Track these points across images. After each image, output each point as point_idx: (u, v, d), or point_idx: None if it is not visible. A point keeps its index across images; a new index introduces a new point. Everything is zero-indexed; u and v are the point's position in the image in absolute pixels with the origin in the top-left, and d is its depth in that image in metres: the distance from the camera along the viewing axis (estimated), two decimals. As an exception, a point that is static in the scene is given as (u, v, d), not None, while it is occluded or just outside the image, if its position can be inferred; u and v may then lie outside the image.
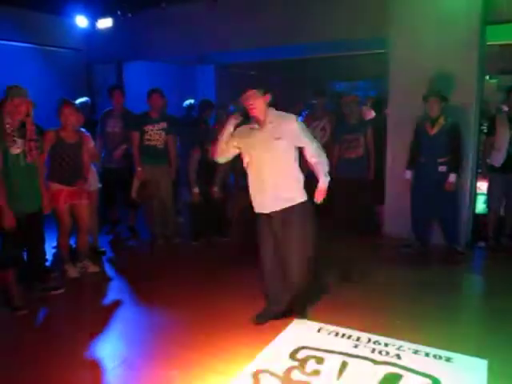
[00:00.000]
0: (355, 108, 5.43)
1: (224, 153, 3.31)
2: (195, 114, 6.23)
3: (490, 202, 4.88)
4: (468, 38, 4.61)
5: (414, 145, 4.69)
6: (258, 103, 3.08)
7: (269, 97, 3.12)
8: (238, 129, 3.23)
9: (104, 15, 6.78)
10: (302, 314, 3.39)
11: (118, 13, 6.70)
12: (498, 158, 4.64)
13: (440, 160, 4.50)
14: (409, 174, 4.78)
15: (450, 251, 4.73)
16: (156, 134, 5.01)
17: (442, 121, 4.47)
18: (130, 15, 6.72)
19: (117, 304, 3.85)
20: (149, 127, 4.98)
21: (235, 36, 6.45)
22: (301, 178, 3.18)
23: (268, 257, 3.26)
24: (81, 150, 4.21)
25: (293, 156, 3.13)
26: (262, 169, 3.11)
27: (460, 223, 4.80)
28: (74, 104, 4.12)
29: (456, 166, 4.51)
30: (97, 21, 6.79)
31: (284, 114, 3.17)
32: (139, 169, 4.99)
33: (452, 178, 4.48)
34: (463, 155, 4.61)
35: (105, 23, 6.84)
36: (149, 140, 5.01)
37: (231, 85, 9.31)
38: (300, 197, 3.16)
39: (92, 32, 6.91)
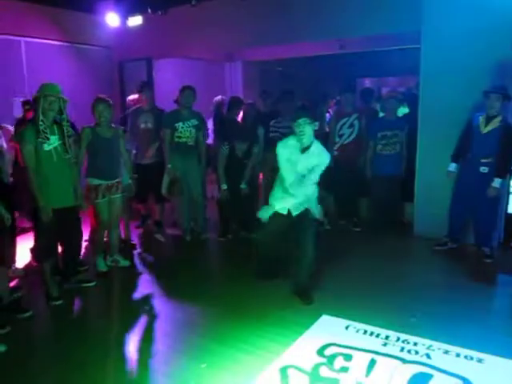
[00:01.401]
0: (394, 104, 5.39)
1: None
2: (225, 110, 6.26)
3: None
4: (507, 28, 4.42)
5: (462, 138, 4.48)
6: (307, 130, 3.54)
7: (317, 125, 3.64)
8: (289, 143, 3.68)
9: (134, 13, 6.88)
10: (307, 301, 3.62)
11: (149, 10, 6.79)
12: None
13: (484, 160, 4.32)
14: (453, 167, 4.59)
15: (478, 253, 4.61)
16: (186, 130, 5.07)
17: (498, 120, 4.24)
18: (159, 13, 6.80)
19: (146, 298, 3.94)
20: (180, 124, 5.05)
21: (264, 32, 6.46)
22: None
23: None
24: (117, 145, 4.30)
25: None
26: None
27: (494, 226, 4.65)
28: (107, 100, 4.21)
29: (503, 170, 4.30)
30: (127, 19, 6.90)
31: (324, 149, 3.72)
32: (169, 166, 5.07)
33: (496, 183, 4.27)
34: (511, 159, 4.36)
35: (135, 21, 6.94)
36: (179, 137, 5.07)
37: (259, 81, 9.35)
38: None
39: (123, 30, 7.01)
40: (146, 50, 7.43)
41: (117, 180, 4.32)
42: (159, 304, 3.83)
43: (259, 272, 4.09)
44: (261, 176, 5.86)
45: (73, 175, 3.80)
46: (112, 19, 6.76)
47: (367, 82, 10.89)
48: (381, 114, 5.78)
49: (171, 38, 7.15)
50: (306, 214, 3.73)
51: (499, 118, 4.24)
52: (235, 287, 4.03)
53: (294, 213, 3.72)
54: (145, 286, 4.22)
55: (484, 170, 4.33)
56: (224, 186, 5.11)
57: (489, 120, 4.29)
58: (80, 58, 7.52)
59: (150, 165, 5.32)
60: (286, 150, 3.65)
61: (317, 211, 3.79)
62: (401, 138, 5.26)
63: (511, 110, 4.43)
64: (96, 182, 4.18)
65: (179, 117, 5.08)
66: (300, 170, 3.63)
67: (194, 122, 5.10)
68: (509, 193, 5.11)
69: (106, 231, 4.45)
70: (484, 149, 4.31)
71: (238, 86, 8.78)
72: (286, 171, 3.65)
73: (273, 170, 5.52)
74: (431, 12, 4.80)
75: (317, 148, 3.66)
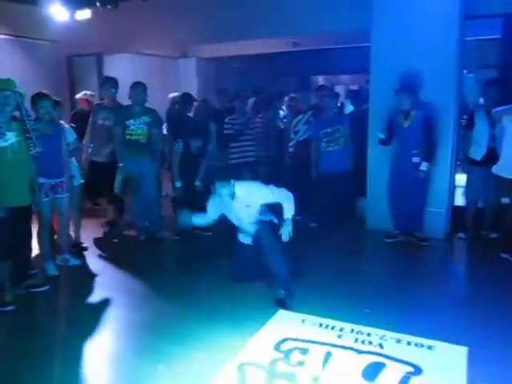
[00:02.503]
0: (330, 102, 5.48)
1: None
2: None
3: (468, 194, 4.96)
4: (447, 32, 4.67)
5: (386, 136, 4.80)
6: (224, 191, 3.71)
7: None
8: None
9: (83, 6, 6.67)
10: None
11: (97, 4, 6.60)
12: (478, 152, 4.71)
13: (414, 151, 4.65)
14: (382, 135, 4.85)
15: (411, 236, 4.83)
16: (138, 128, 4.97)
17: (413, 114, 4.60)
18: (109, 7, 6.62)
19: (100, 300, 3.82)
20: (131, 121, 4.94)
21: (217, 29, 6.43)
22: None
23: None
24: (60, 142, 4.15)
25: None
26: None
27: (424, 213, 4.88)
28: (49, 95, 4.06)
29: (429, 155, 4.65)
30: (75, 12, 6.68)
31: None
32: (121, 164, 4.95)
33: (424, 166, 4.62)
34: (437, 146, 4.73)
35: (84, 14, 6.73)
36: (131, 134, 4.96)
37: (215, 78, 9.28)
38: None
39: (71, 24, 6.78)
40: (96, 45, 7.22)
41: (61, 179, 4.17)
42: (113, 306, 3.73)
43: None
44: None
45: (31, 172, 3.64)
46: (59, 12, 6.52)
47: (321, 80, 11.06)
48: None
49: (122, 32, 7.00)
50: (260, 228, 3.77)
51: (414, 113, 4.59)
52: (192, 286, 3.99)
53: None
54: (98, 288, 4.08)
55: (416, 159, 4.65)
56: (178, 184, 5.05)
57: (406, 115, 4.62)
58: (27, 53, 7.23)
59: (103, 163, 5.17)
60: (215, 201, 3.88)
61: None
62: (343, 132, 5.35)
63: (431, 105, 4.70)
64: (39, 180, 4.02)
65: (130, 114, 4.96)
66: (238, 208, 3.75)
67: (146, 119, 5.00)
68: (454, 186, 5.35)
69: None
70: (411, 141, 4.65)
71: (193, 83, 8.68)
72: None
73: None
74: (381, 11, 4.93)
75: (241, 189, 3.72)
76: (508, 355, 2.83)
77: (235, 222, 3.91)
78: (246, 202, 3.71)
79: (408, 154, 4.67)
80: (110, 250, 5.09)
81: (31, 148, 3.54)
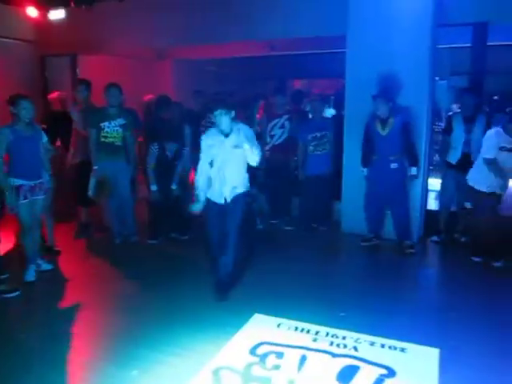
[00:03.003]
0: (319, 106, 5.55)
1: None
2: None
3: (442, 198, 5.08)
4: (420, 40, 4.77)
5: (365, 144, 4.85)
6: (224, 120, 3.64)
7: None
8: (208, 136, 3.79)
9: (56, 6, 6.54)
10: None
11: (72, 4, 6.49)
12: (453, 156, 4.83)
13: (392, 157, 4.69)
14: (365, 171, 4.93)
15: (400, 245, 4.87)
16: (113, 130, 4.90)
17: (391, 121, 4.64)
18: (83, 7, 6.51)
19: (73, 305, 3.75)
20: (105, 124, 4.86)
21: (194, 31, 6.40)
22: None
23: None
24: (38, 144, 4.08)
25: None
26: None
27: (411, 219, 4.94)
28: (29, 97, 3.99)
29: (414, 160, 4.73)
30: (49, 12, 6.55)
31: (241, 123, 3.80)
32: (95, 167, 4.87)
33: (413, 171, 4.72)
34: (417, 150, 4.80)
35: (57, 14, 6.60)
36: (105, 137, 4.89)
37: (190, 80, 9.24)
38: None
39: (44, 23, 6.64)
40: (70, 46, 7.09)
41: (40, 180, 4.10)
42: (86, 311, 3.66)
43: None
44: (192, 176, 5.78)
45: None
46: (33, 12, 6.39)
47: (297, 84, 11.13)
48: (310, 116, 5.93)
49: (97, 33, 6.87)
50: (237, 198, 3.80)
51: (391, 120, 4.63)
52: (166, 290, 3.94)
53: (229, 198, 3.78)
54: (71, 293, 4.01)
55: (394, 165, 4.71)
56: (154, 187, 5.00)
57: (384, 123, 4.65)
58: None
59: (74, 165, 5.10)
60: (208, 138, 3.78)
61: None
62: (329, 137, 5.43)
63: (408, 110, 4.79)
64: (18, 182, 3.95)
65: (105, 116, 4.89)
66: (228, 149, 3.70)
67: (121, 121, 4.93)
68: (427, 190, 5.46)
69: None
70: (389, 148, 4.69)
71: (169, 85, 8.63)
72: (205, 156, 3.78)
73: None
74: (356, 17, 5.00)
75: (237, 127, 3.72)
76: (479, 358, 2.90)
77: (215, 176, 3.78)
78: (237, 141, 3.68)
79: (386, 160, 4.70)
80: (83, 253, 5.00)
81: None
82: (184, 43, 6.92)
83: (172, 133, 5.08)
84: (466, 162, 4.64)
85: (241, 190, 3.84)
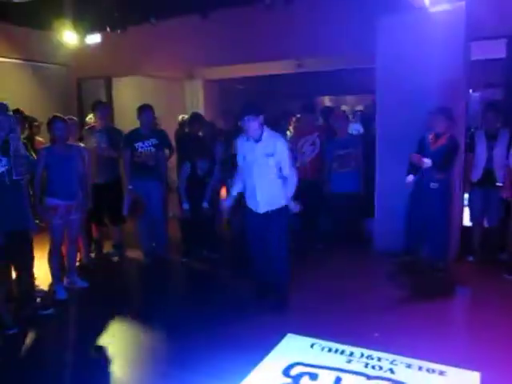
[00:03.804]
0: (344, 123, 5.53)
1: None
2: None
3: (471, 215, 4.94)
4: (452, 53, 4.70)
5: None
6: (251, 125, 3.64)
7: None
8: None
9: (93, 31, 6.80)
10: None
11: (107, 29, 6.73)
12: (475, 173, 4.72)
13: (436, 176, 4.45)
14: (411, 178, 4.66)
15: (433, 266, 4.70)
16: (146, 150, 5.01)
17: (445, 137, 4.43)
18: (118, 31, 6.75)
19: (108, 324, 3.79)
20: (139, 144, 4.98)
21: (223, 51, 6.53)
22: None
23: None
24: (75, 164, 4.20)
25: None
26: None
27: (447, 239, 4.73)
28: (64, 119, 4.13)
29: (442, 167, 4.43)
30: (85, 37, 6.81)
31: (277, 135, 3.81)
32: (130, 187, 4.98)
33: (439, 175, 4.42)
34: (452, 165, 4.54)
35: (94, 39, 6.86)
36: (139, 157, 5.00)
37: (220, 99, 9.40)
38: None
39: (81, 48, 6.91)
40: (104, 69, 7.35)
41: (75, 200, 4.21)
42: (119, 330, 3.72)
43: (259, 282, 4.04)
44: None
45: (23, 197, 3.66)
46: (70, 37, 6.66)
47: (326, 100, 11.15)
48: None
49: (130, 56, 7.11)
50: (275, 214, 3.76)
51: (446, 136, 4.45)
52: (199, 310, 3.96)
53: (260, 210, 3.77)
54: (106, 311, 4.05)
55: (434, 186, 4.47)
56: (186, 206, 5.06)
57: (437, 138, 4.50)
58: (37, 76, 7.35)
59: (104, 184, 5.14)
60: (239, 142, 3.83)
61: (289, 205, 3.82)
62: (355, 155, 5.37)
63: (458, 128, 4.64)
64: (54, 202, 4.06)
65: (138, 136, 5.01)
66: (258, 157, 3.68)
67: (154, 141, 5.04)
68: (463, 205, 5.31)
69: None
70: (435, 164, 4.44)
71: (199, 104, 8.80)
72: (240, 160, 3.83)
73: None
74: (386, 32, 4.97)
75: (269, 134, 3.73)
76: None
77: (249, 182, 3.78)
78: (267, 149, 3.65)
79: (430, 176, 4.48)
80: (116, 272, 5.08)
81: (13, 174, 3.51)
82: (214, 63, 7.06)
83: (204, 151, 5.15)
84: (488, 180, 4.52)
85: (279, 201, 3.76)
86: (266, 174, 3.70)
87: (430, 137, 4.55)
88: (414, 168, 4.66)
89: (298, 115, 6.61)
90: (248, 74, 8.41)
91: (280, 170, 3.72)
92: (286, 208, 3.80)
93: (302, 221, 5.74)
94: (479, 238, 4.90)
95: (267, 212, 3.76)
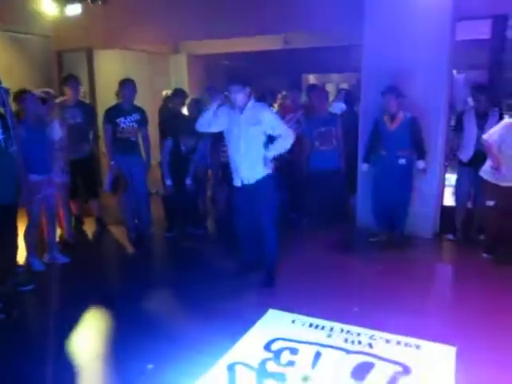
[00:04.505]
0: (324, 101, 5.51)
1: (208, 123, 3.79)
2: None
3: (457, 195, 5.00)
4: (438, 32, 4.69)
5: (372, 138, 4.83)
6: (238, 96, 3.66)
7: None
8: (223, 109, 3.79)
9: (73, 1, 6.59)
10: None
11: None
12: (465, 154, 4.76)
13: (400, 153, 4.65)
14: (365, 167, 4.94)
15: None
16: (129, 126, 4.93)
17: (401, 116, 4.61)
18: (99, 2, 6.55)
19: (88, 299, 3.78)
20: (121, 119, 4.89)
21: (209, 25, 6.39)
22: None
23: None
24: (50, 138, 4.13)
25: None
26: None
27: (407, 215, 4.90)
28: (34, 94, 4.04)
29: (421, 153, 4.66)
30: (65, 7, 6.59)
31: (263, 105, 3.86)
32: (112, 163, 4.91)
33: (421, 164, 4.65)
34: (426, 146, 4.72)
35: (74, 9, 6.65)
36: (121, 132, 4.92)
37: (205, 75, 9.25)
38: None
39: (62, 18, 6.69)
40: (85, 40, 7.14)
41: (51, 174, 4.16)
42: (101, 305, 3.71)
43: (245, 260, 4.08)
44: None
45: (15, 170, 3.58)
46: (49, 7, 6.44)
47: (312, 78, 11.07)
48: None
49: (112, 28, 6.90)
50: (260, 185, 3.77)
51: (400, 115, 4.60)
52: (182, 284, 3.98)
53: (246, 181, 3.78)
54: (87, 286, 4.04)
55: (402, 161, 4.67)
56: (168, 182, 5.02)
57: (392, 118, 4.62)
58: (16, 47, 7.11)
59: (77, 160, 5.09)
60: (227, 114, 3.79)
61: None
62: (335, 133, 5.39)
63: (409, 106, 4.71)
64: (35, 178, 3.99)
65: (120, 112, 4.92)
66: (243, 126, 3.69)
67: (136, 116, 4.96)
68: (444, 186, 5.39)
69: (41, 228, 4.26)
70: (397, 143, 4.64)
71: (184, 80, 8.65)
72: (227, 134, 3.83)
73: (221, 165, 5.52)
74: (373, 10, 4.93)
75: (254, 105, 3.74)
76: (495, 355, 2.87)
77: (233, 154, 3.80)
78: (253, 119, 3.67)
79: (394, 155, 4.67)
80: (99, 248, 5.06)
81: (8, 146, 3.46)
82: (199, 37, 6.92)
83: (189, 127, 5.10)
84: (480, 160, 4.53)
85: (262, 171, 3.76)
86: (252, 145, 3.70)
87: (386, 118, 4.68)
88: (369, 156, 4.88)
89: (284, 92, 6.57)
90: (234, 49, 8.27)
91: (268, 138, 3.73)
92: (271, 178, 3.80)
93: (289, 198, 5.77)
94: (462, 217, 4.98)
95: (253, 184, 3.76)
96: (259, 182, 3.77)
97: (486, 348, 2.95)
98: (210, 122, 3.78)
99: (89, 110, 5.47)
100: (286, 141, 3.76)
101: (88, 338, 3.21)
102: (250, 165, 3.74)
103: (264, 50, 8.12)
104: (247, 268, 4.05)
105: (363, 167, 4.96)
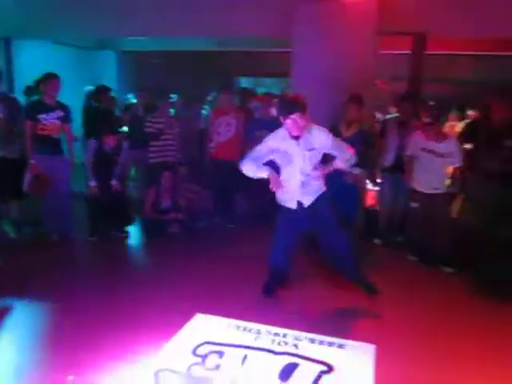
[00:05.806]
0: (267, 107, 5.60)
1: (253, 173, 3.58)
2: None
3: (380, 199, 5.26)
4: (363, 45, 4.93)
5: None
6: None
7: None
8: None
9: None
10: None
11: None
12: (387, 159, 5.00)
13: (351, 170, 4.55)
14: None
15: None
16: (51, 123, 4.67)
17: (356, 125, 4.62)
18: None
19: (5, 306, 3.55)
20: (43, 116, 4.63)
21: (139, 21, 6.22)
22: None
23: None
24: None
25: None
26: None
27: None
28: None
29: (363, 163, 4.56)
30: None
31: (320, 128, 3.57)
32: (32, 161, 4.63)
33: (356, 170, 4.56)
34: (369, 159, 4.76)
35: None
36: (43, 129, 4.65)
37: (135, 73, 9.01)
38: None
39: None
40: (3, 29, 6.66)
41: None
42: (17, 313, 3.49)
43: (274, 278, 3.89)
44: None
45: None
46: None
47: (244, 81, 11.16)
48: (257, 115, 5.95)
49: (35, 17, 6.49)
50: (321, 204, 3.64)
51: (356, 124, 4.66)
52: (106, 289, 3.84)
53: (306, 203, 3.61)
54: (2, 293, 3.78)
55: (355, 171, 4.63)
56: (92, 183, 4.83)
57: (349, 125, 4.68)
58: None
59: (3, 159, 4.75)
60: (275, 141, 3.56)
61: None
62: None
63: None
64: None
65: (42, 107, 4.66)
66: (299, 156, 3.51)
67: (60, 113, 4.73)
68: (365, 188, 5.61)
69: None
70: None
71: (112, 77, 8.37)
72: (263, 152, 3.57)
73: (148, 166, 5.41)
74: (302, 20, 5.07)
75: (313, 130, 3.53)
76: (411, 352, 3.06)
77: (286, 178, 3.55)
78: (309, 144, 3.48)
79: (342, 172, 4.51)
80: (15, 250, 4.74)
81: None
82: (128, 34, 6.72)
83: (111, 126, 4.94)
84: (399, 166, 4.80)
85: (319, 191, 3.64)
86: (307, 168, 3.53)
87: (342, 124, 4.71)
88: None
89: (216, 95, 6.56)
90: (165, 47, 8.13)
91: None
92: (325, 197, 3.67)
93: (216, 201, 5.76)
94: (385, 222, 5.19)
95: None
96: (319, 202, 3.62)
97: (403, 346, 3.12)
98: (255, 171, 3.55)
99: (12, 104, 5.02)
100: (348, 157, 3.65)
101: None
102: (310, 189, 3.59)
103: (198, 49, 8.09)
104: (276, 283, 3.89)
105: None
